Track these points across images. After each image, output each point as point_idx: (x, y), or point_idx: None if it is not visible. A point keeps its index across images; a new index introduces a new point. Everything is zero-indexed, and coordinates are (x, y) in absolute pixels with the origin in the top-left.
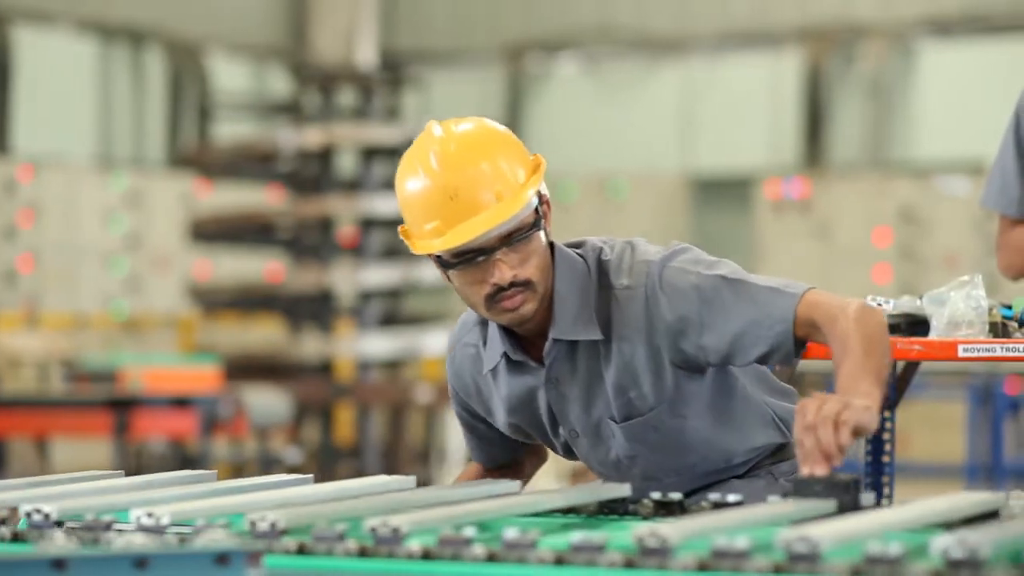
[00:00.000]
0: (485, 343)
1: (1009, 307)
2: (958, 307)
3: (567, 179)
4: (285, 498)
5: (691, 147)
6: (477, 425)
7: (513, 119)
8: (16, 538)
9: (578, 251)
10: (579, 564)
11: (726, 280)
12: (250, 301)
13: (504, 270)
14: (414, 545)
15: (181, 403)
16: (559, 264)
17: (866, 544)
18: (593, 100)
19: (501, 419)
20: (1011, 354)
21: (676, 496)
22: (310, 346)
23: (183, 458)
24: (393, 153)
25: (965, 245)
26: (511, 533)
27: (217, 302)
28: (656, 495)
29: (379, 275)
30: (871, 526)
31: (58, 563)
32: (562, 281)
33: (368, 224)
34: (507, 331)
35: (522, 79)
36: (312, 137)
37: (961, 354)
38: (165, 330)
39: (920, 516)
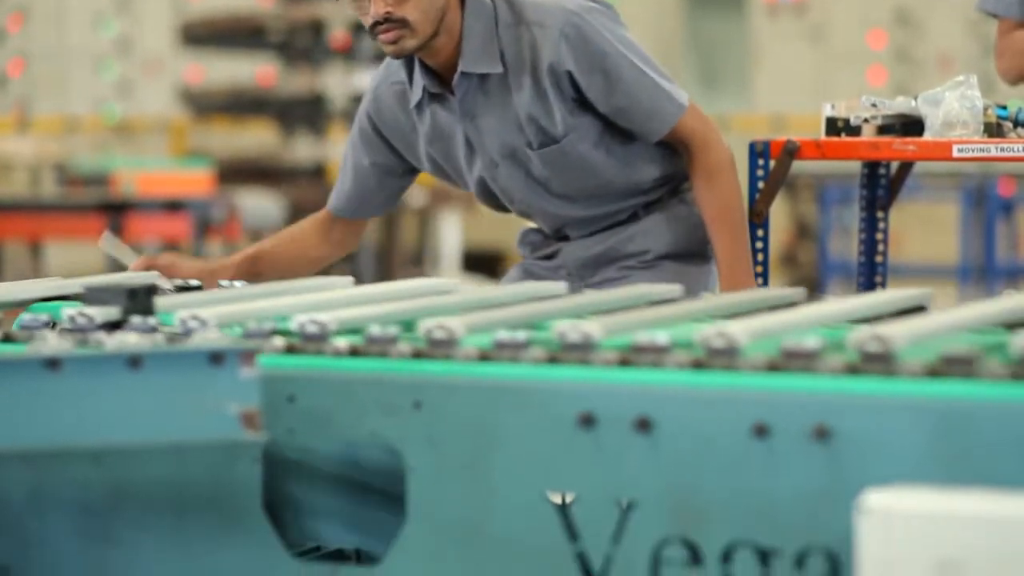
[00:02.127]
0: (411, 82)
1: (1004, 107)
2: (953, 107)
3: None
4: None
5: None
6: (363, 164)
7: None
8: (7, 339)
9: None
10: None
11: (629, 62)
12: (242, 105)
13: (379, 6)
14: (341, 341)
15: (174, 206)
16: (469, 4)
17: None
18: None
19: (422, 152)
20: (1005, 154)
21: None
22: (302, 150)
23: None
24: None
25: (960, 46)
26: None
27: (209, 106)
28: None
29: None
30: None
31: (52, 363)
32: (470, 19)
33: (360, 28)
34: (427, 68)
35: None
36: None
37: (955, 154)
38: (157, 134)
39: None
